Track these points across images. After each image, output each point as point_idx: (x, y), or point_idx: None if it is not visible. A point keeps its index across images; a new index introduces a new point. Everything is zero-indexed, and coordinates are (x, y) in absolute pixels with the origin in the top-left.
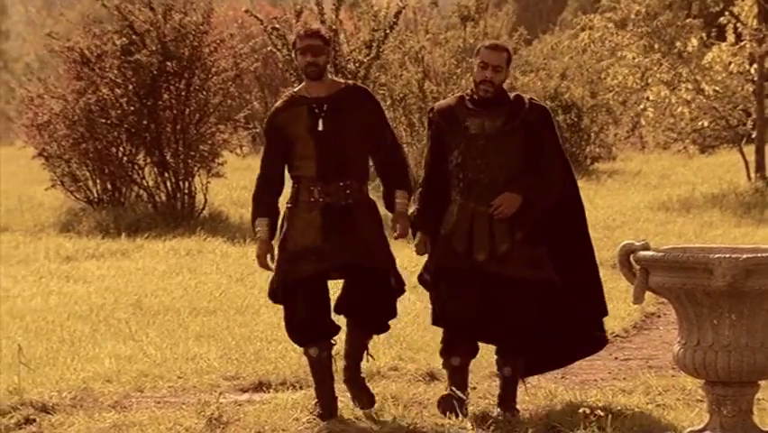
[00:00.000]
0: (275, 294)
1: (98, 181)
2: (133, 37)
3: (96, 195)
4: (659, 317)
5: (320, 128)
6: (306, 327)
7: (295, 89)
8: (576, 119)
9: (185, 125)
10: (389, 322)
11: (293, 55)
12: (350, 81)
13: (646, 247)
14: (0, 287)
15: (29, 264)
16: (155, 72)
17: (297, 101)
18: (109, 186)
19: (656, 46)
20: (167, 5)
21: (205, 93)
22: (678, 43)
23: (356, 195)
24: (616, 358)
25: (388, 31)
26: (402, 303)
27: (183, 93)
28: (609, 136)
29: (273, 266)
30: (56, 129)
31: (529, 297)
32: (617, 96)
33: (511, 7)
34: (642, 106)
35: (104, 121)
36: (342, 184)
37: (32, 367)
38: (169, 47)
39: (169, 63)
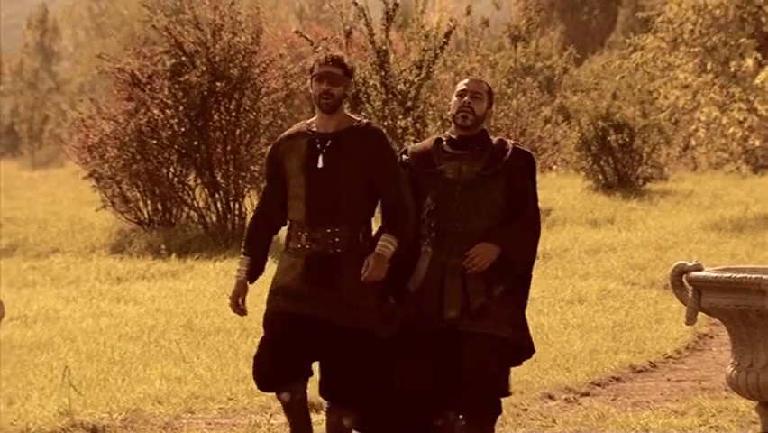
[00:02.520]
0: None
1: (149, 202)
2: (183, 58)
3: (146, 216)
4: (712, 338)
5: (320, 165)
6: (269, 370)
7: (307, 121)
8: (628, 139)
9: (235, 146)
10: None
11: (309, 81)
12: (365, 120)
13: (699, 268)
14: (51, 308)
15: (80, 285)
16: (205, 93)
17: (301, 133)
18: (160, 207)
19: (709, 66)
20: (216, 25)
21: (255, 113)
22: (732, 63)
23: (346, 243)
24: (668, 379)
25: (438, 51)
26: None
27: (233, 113)
28: (661, 156)
29: (244, 309)
30: (107, 150)
31: (502, 357)
32: (668, 117)
33: (561, 27)
34: (694, 127)
35: (154, 142)
36: (329, 231)
37: (81, 390)
38: (218, 67)
39: (218, 84)
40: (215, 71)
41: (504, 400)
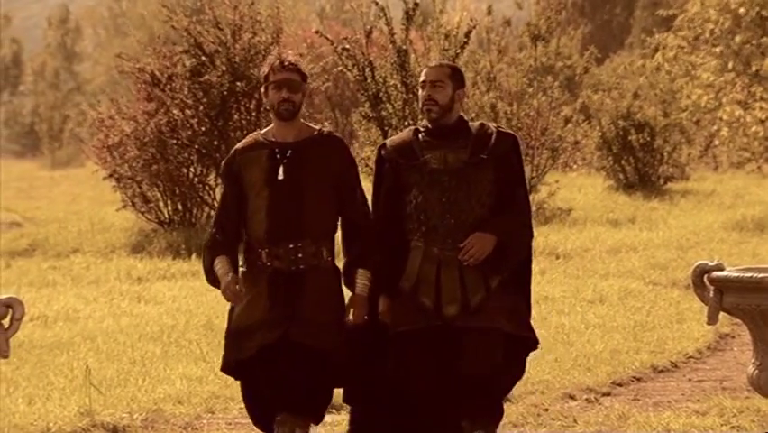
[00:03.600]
0: (231, 372)
1: (169, 202)
2: (203, 58)
3: (166, 216)
4: (733, 337)
5: (280, 177)
6: (267, 417)
7: (261, 131)
8: (649, 139)
9: None
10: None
11: (262, 89)
12: (324, 128)
13: (720, 267)
14: (71, 308)
15: (100, 285)
16: (225, 93)
17: (259, 144)
18: (180, 207)
19: (730, 65)
20: (235, 25)
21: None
22: (754, 63)
23: (310, 259)
24: (690, 379)
25: (458, 50)
26: None
27: (253, 113)
28: (682, 156)
29: (243, 293)
30: (127, 150)
31: (503, 350)
32: (690, 116)
33: (581, 27)
34: (716, 127)
35: (174, 142)
36: (292, 246)
37: (101, 390)
38: (238, 67)
39: (238, 83)
40: (235, 71)
41: (524, 400)
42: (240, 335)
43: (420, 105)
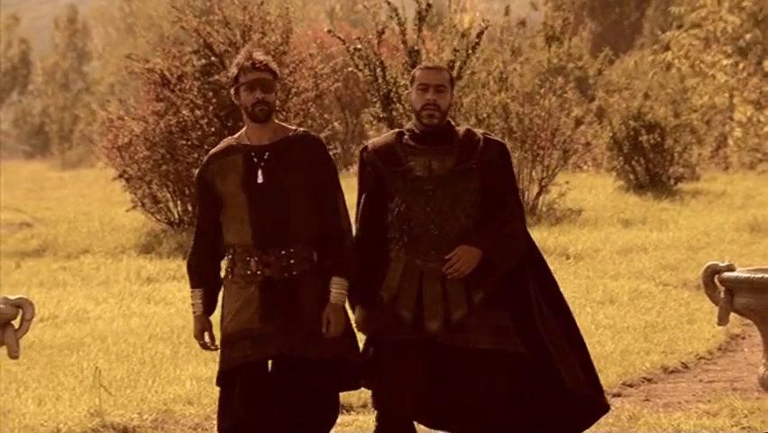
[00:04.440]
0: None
1: (179, 203)
2: (212, 58)
3: (176, 216)
4: (744, 338)
5: (259, 180)
6: (242, 427)
7: (234, 135)
8: (659, 139)
9: None
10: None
11: (233, 91)
12: (300, 128)
13: (731, 268)
14: (81, 309)
15: (110, 286)
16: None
17: (233, 149)
18: (189, 207)
19: (741, 66)
20: (245, 26)
21: (285, 114)
22: (766, 62)
23: (302, 265)
24: (700, 380)
25: (470, 51)
26: None
27: None
28: (693, 156)
29: (215, 344)
30: (136, 151)
31: (493, 372)
32: (700, 116)
33: (592, 27)
34: (727, 127)
35: (184, 142)
36: (284, 252)
37: (112, 390)
38: None
39: None
40: None
41: None
42: (223, 344)
43: (418, 108)
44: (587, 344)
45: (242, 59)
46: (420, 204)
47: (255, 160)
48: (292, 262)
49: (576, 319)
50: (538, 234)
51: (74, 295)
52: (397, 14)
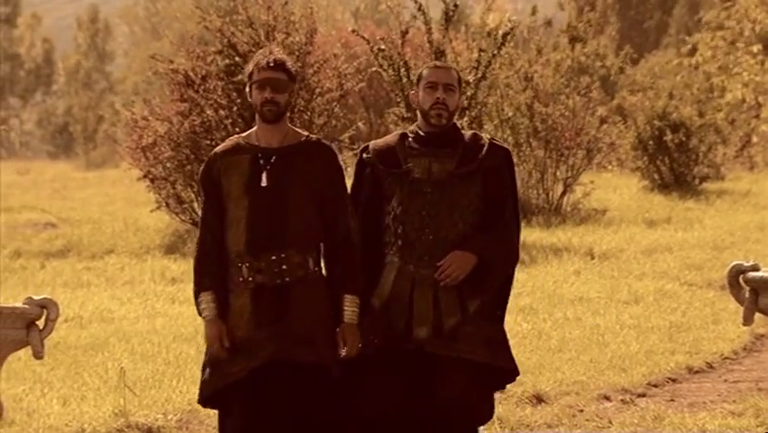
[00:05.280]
0: (204, 398)
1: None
2: (236, 58)
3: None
4: None
5: (263, 183)
6: None
7: (243, 134)
8: (684, 139)
9: None
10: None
11: (247, 89)
12: (313, 135)
13: (756, 268)
14: (106, 309)
15: (134, 286)
16: None
17: (241, 148)
18: None
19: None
20: (269, 26)
21: (309, 114)
22: None
23: (296, 271)
24: (725, 380)
25: (495, 51)
26: (507, 324)
27: (287, 114)
28: (718, 156)
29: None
30: (161, 151)
31: (480, 384)
32: (725, 116)
33: (616, 27)
34: (751, 126)
35: (208, 143)
36: (275, 258)
37: (136, 390)
38: None
39: None
40: None
41: (559, 401)
42: (220, 358)
43: (426, 108)
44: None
45: (259, 57)
46: (417, 207)
47: (261, 162)
48: (285, 267)
49: (600, 319)
50: (563, 234)
51: (98, 295)
52: (423, 14)
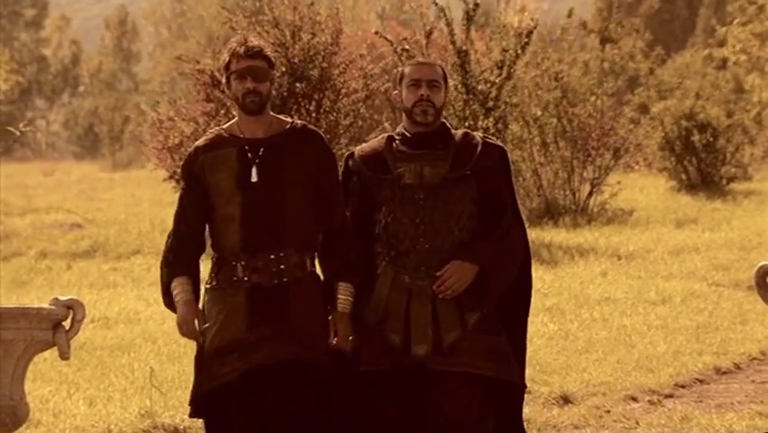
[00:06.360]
0: (197, 407)
1: None
2: None
3: None
4: None
5: (254, 179)
6: None
7: (223, 126)
8: (711, 139)
9: None
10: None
11: (224, 81)
12: (297, 121)
13: None
14: (132, 309)
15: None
16: (285, 94)
17: (225, 141)
18: None
19: None
20: (295, 26)
21: (335, 114)
22: None
23: (294, 270)
24: (753, 381)
25: (519, 51)
26: (534, 325)
27: (313, 114)
28: (745, 156)
29: (200, 333)
30: (187, 152)
31: (483, 399)
32: (754, 116)
33: (644, 27)
34: None
35: None
36: (273, 257)
37: (163, 391)
38: (297, 68)
39: (298, 84)
40: (295, 72)
41: (586, 402)
42: (210, 359)
43: (409, 106)
44: (639, 344)
45: (234, 45)
46: (409, 215)
47: (249, 155)
48: (282, 267)
49: (627, 320)
50: (589, 235)
51: (125, 296)
52: (445, 14)
